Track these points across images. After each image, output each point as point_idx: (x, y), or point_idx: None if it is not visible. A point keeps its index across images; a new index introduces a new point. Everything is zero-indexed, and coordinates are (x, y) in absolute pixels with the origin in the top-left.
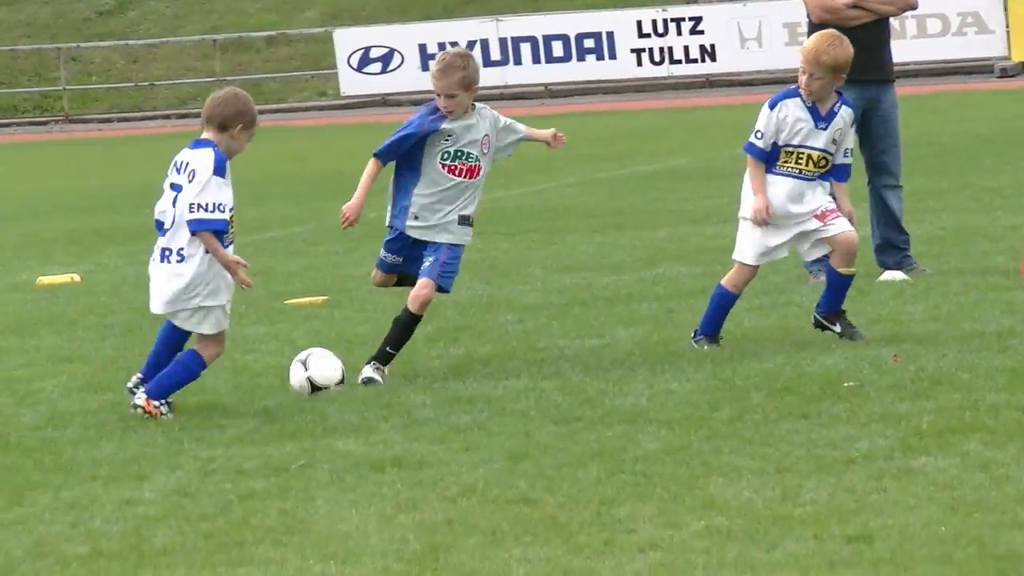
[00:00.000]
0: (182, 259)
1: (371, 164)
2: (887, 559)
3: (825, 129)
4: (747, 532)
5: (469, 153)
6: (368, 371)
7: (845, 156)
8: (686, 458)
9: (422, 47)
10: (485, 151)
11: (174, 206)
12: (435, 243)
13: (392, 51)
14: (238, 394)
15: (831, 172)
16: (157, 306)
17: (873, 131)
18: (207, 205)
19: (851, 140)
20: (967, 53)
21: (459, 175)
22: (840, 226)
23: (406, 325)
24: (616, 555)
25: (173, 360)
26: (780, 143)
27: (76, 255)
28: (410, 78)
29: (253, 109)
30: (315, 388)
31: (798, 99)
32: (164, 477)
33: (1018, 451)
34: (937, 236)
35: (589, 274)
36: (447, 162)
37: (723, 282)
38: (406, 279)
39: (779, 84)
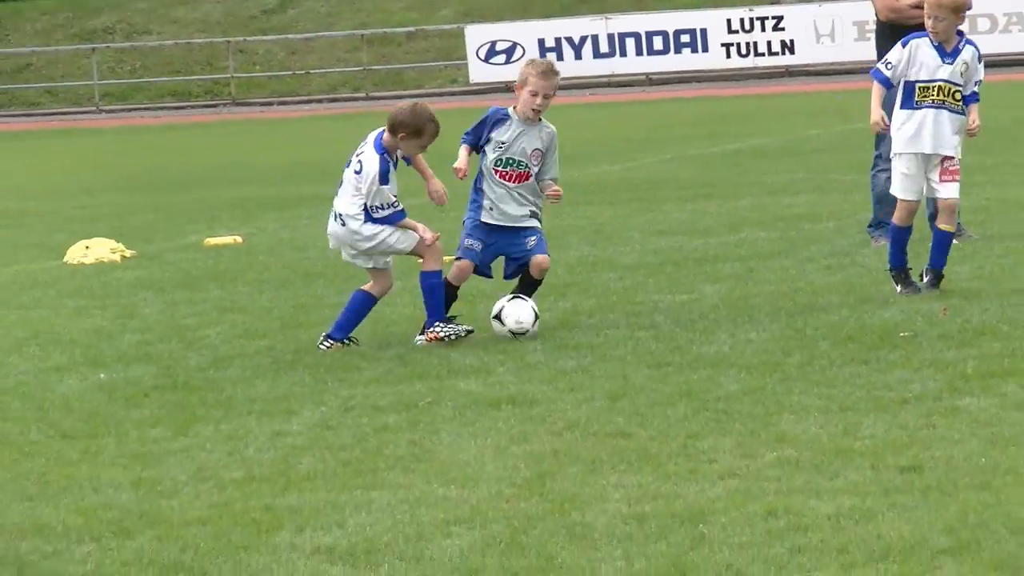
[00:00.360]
0: (343, 224)
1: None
2: (934, 487)
3: (951, 63)
4: (813, 463)
5: (520, 161)
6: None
7: (975, 86)
8: (762, 398)
9: (541, 41)
10: (535, 162)
11: (344, 170)
12: (525, 228)
13: (515, 44)
14: (376, 340)
15: (965, 100)
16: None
17: None
18: (383, 204)
19: (981, 73)
20: (1012, 48)
21: (509, 180)
22: (948, 191)
23: (533, 286)
24: (699, 481)
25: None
26: (911, 79)
27: (239, 220)
28: None
29: (419, 123)
30: (515, 335)
31: (927, 38)
32: (310, 412)
33: None
34: (983, 206)
35: (681, 238)
36: (499, 168)
37: (894, 220)
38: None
39: (850, 74)
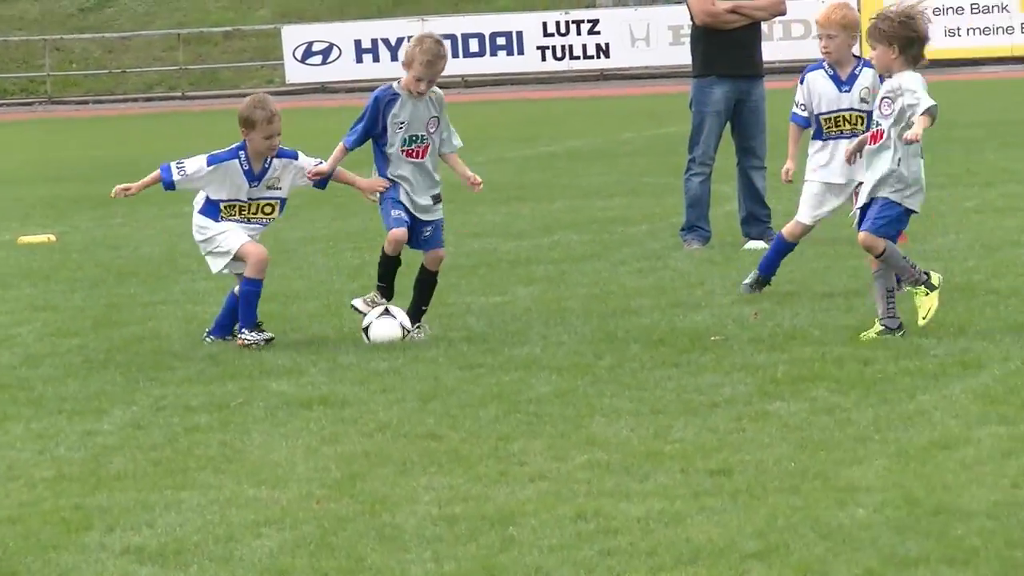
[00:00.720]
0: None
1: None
2: (744, 490)
3: (849, 91)
4: (624, 465)
5: (422, 136)
6: (416, 332)
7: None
8: (573, 400)
9: (357, 42)
10: (432, 131)
11: None
12: (429, 220)
13: (332, 45)
14: (188, 340)
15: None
16: None
17: (743, 119)
18: (179, 161)
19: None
20: None
21: (415, 156)
22: None
23: (431, 285)
24: (510, 484)
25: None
26: (814, 112)
27: (53, 218)
28: (346, 69)
29: (246, 113)
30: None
31: (820, 70)
32: (121, 412)
33: (859, 397)
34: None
35: (494, 240)
36: (405, 147)
37: (783, 231)
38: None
39: (664, 78)
